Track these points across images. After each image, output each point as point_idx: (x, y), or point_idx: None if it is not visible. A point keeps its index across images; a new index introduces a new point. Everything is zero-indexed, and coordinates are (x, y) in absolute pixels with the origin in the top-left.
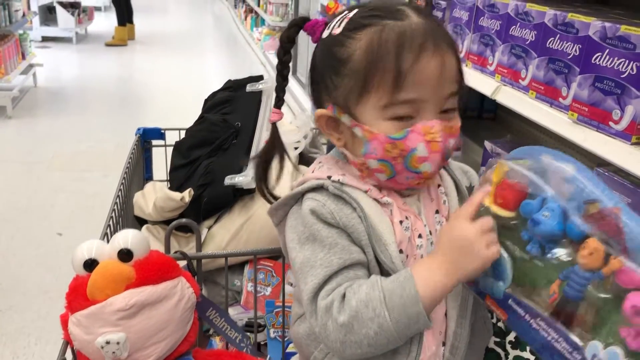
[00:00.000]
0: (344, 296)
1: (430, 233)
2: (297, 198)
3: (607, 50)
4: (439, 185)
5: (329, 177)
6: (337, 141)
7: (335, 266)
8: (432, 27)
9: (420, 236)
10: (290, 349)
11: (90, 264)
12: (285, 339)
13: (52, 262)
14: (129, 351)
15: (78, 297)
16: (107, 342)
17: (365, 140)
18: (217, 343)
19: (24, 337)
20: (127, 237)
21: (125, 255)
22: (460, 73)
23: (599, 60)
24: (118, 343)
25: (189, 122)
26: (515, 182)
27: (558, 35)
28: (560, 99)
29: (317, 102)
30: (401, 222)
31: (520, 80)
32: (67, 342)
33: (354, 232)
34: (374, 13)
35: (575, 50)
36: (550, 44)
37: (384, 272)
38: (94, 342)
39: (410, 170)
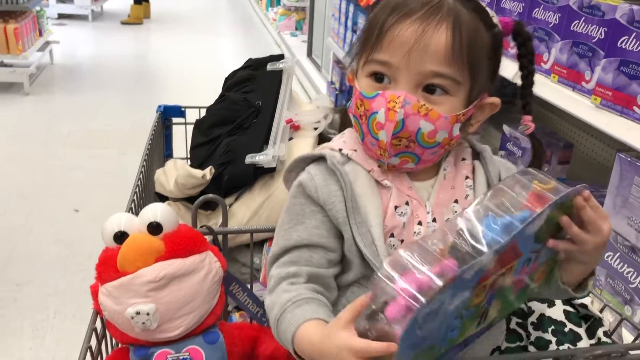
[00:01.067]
0: (279, 280)
1: (434, 221)
2: (302, 166)
3: (634, 34)
4: (467, 177)
5: (340, 150)
6: None
7: (292, 242)
8: (439, 1)
9: (420, 223)
10: None
11: (120, 236)
12: None
13: (68, 238)
14: (158, 322)
15: (108, 268)
16: (137, 313)
17: (353, 94)
18: (237, 319)
19: (43, 310)
20: (156, 211)
21: (154, 228)
22: (462, 59)
23: (625, 44)
24: (148, 314)
25: (205, 100)
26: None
27: (583, 18)
28: (583, 83)
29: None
30: (397, 207)
31: (542, 64)
32: (97, 312)
33: (332, 209)
34: None
35: (601, 34)
36: (575, 27)
37: (361, 252)
38: (124, 312)
39: (372, 134)
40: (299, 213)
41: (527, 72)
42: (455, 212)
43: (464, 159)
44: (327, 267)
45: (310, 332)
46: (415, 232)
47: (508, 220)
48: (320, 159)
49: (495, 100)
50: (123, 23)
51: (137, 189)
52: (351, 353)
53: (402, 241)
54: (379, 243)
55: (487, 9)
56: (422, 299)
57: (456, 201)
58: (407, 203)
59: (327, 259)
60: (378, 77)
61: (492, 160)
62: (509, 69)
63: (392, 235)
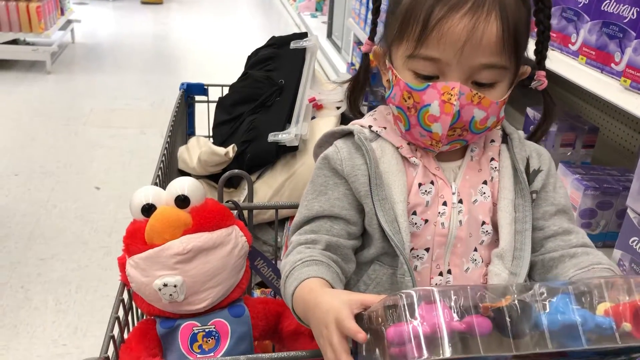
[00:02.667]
0: (296, 245)
1: (461, 202)
2: (331, 141)
3: None
4: (492, 159)
5: (370, 127)
6: (385, 82)
7: (314, 212)
8: None
9: (445, 204)
10: None
11: (148, 209)
12: None
13: (90, 215)
14: (185, 294)
15: (136, 240)
16: (165, 285)
17: (392, 83)
18: (258, 295)
19: (66, 285)
20: (183, 185)
21: (182, 201)
22: (511, 46)
23: None
24: (175, 286)
25: (225, 80)
26: None
27: None
28: (613, 65)
29: (383, 39)
30: (421, 185)
31: (570, 45)
32: (124, 283)
33: (354, 181)
34: None
35: (633, 14)
36: (605, 7)
37: (382, 228)
38: (152, 284)
39: (422, 126)
40: (323, 184)
41: (544, 28)
42: (484, 193)
43: (492, 141)
44: (346, 238)
45: (312, 284)
46: (439, 213)
47: (578, 318)
48: (348, 134)
49: (526, 69)
50: (143, 2)
51: (161, 165)
52: (335, 320)
53: (425, 221)
54: (401, 220)
55: None
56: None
57: (485, 182)
58: (432, 182)
59: (348, 231)
60: (423, 75)
61: (520, 143)
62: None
63: (414, 213)
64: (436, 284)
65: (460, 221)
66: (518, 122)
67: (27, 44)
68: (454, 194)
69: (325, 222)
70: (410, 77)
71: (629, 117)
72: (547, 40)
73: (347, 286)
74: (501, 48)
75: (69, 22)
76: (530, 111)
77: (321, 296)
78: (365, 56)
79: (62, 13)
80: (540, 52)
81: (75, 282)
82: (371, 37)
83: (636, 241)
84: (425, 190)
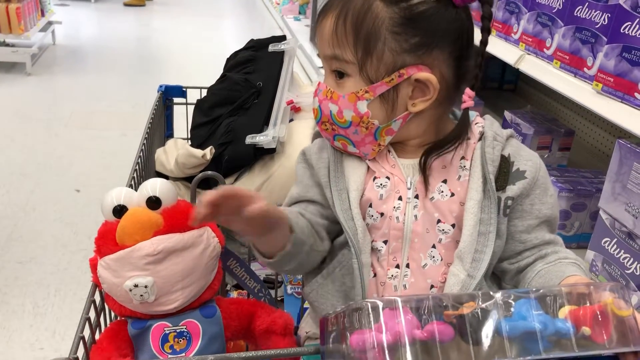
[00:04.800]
0: None
1: (417, 197)
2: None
3: (638, 20)
4: (462, 157)
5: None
6: None
7: (294, 197)
8: None
9: (400, 198)
10: (307, 305)
11: (120, 210)
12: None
13: (70, 217)
14: (156, 295)
15: (107, 241)
16: (135, 285)
17: None
18: (234, 297)
19: (44, 288)
20: (155, 186)
21: (153, 203)
22: (345, 40)
23: (628, 30)
24: (146, 287)
25: (206, 81)
26: None
27: (587, 4)
28: (585, 69)
29: None
30: (375, 178)
31: (544, 50)
32: (96, 285)
33: (318, 172)
34: None
35: (604, 19)
36: (578, 13)
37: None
38: (122, 285)
39: None
40: (301, 175)
41: (482, 40)
42: (442, 192)
43: (468, 139)
44: (319, 217)
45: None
46: (394, 207)
47: (538, 325)
48: None
49: (425, 75)
50: (126, 4)
51: (137, 167)
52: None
53: (381, 214)
54: (354, 207)
55: None
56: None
57: (445, 181)
58: (387, 177)
59: (321, 212)
60: None
61: (494, 142)
62: (512, 54)
63: (370, 206)
64: (392, 276)
65: (416, 216)
66: None
67: (7, 45)
68: (409, 189)
69: (302, 204)
70: None
71: (604, 120)
72: (483, 56)
73: (322, 265)
74: (334, 41)
75: (49, 23)
76: (507, 114)
77: None
78: None
79: (43, 14)
80: (475, 69)
81: (53, 285)
82: None
83: (608, 242)
84: (380, 184)
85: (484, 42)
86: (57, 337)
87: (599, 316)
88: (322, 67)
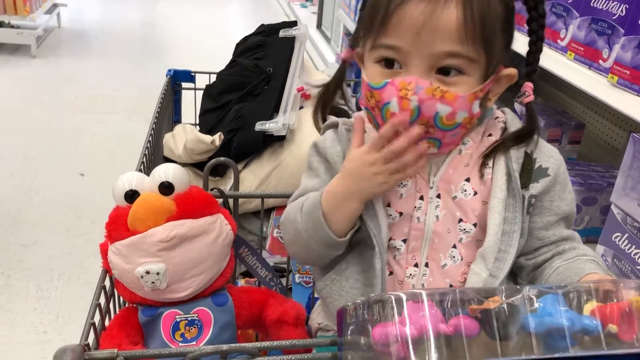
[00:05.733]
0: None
1: (439, 197)
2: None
3: None
4: (486, 155)
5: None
6: None
7: (308, 189)
8: None
9: (422, 198)
10: (316, 294)
11: (131, 196)
12: (311, 285)
13: (74, 201)
14: (168, 282)
15: (118, 227)
16: (147, 272)
17: (362, 84)
18: (242, 284)
19: (48, 271)
20: (168, 171)
21: (166, 188)
22: (475, 36)
23: None
24: (158, 273)
25: (211, 68)
26: None
27: None
28: (601, 61)
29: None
30: None
31: (558, 41)
32: (106, 270)
33: (335, 166)
34: None
35: (622, 11)
36: (595, 4)
37: None
38: (134, 271)
39: None
40: (316, 168)
41: (536, 38)
42: (465, 190)
43: (490, 135)
44: None
45: (332, 185)
46: (415, 207)
47: (565, 321)
48: (336, 125)
49: (512, 71)
50: None
51: (146, 151)
52: (368, 151)
53: (400, 214)
54: (377, 204)
55: None
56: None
57: (468, 179)
58: (410, 176)
59: None
60: (388, 63)
61: (541, 144)
62: (524, 45)
63: (389, 205)
64: (410, 275)
65: (437, 216)
66: None
67: (12, 27)
68: (431, 188)
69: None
70: (374, 72)
71: (615, 113)
72: (539, 52)
73: (333, 261)
74: (462, 36)
75: (55, 5)
76: (517, 106)
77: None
78: (342, 65)
79: None
80: (531, 64)
81: (57, 269)
82: (352, 45)
83: (619, 237)
84: (401, 183)
85: (542, 38)
86: (61, 321)
87: (626, 314)
88: (341, 58)
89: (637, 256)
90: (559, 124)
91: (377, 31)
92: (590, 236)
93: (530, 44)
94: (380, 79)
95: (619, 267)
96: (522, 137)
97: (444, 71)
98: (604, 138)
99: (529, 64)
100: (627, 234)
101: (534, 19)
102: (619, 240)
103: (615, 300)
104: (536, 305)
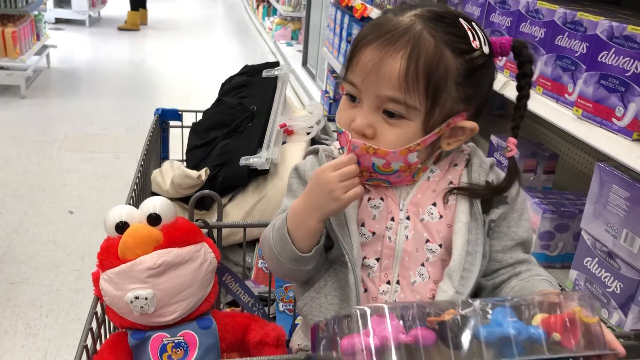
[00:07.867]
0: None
1: (408, 219)
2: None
3: (613, 49)
4: (450, 182)
5: (340, 148)
6: None
7: (287, 209)
8: (405, 28)
9: (392, 219)
10: (298, 321)
11: (122, 227)
12: (294, 312)
13: (63, 239)
14: (155, 307)
15: (109, 256)
16: (136, 297)
17: None
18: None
19: (36, 309)
20: (155, 203)
21: (154, 219)
22: (416, 87)
23: (605, 59)
24: (146, 299)
25: (198, 106)
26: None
27: (567, 33)
28: (566, 95)
29: None
30: (370, 199)
31: None
32: (98, 297)
33: None
34: (392, 8)
35: (583, 48)
36: (559, 42)
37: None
38: (124, 297)
39: None
40: (294, 190)
41: (523, 95)
42: (432, 214)
43: (455, 165)
44: None
45: (297, 202)
46: (387, 227)
47: (512, 330)
48: (316, 151)
49: (470, 124)
50: (120, 29)
51: (135, 187)
52: (324, 170)
53: (373, 233)
54: (351, 224)
55: (475, 31)
56: None
57: (434, 204)
58: (382, 199)
59: None
60: (351, 97)
61: (481, 169)
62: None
63: (363, 225)
64: (383, 291)
65: (407, 236)
66: (483, 148)
67: (2, 68)
68: (401, 210)
69: None
70: (343, 102)
71: (585, 143)
72: (524, 108)
73: (312, 280)
74: (403, 85)
75: (44, 47)
76: (494, 138)
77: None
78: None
79: (38, 38)
80: (516, 119)
81: (46, 306)
82: (343, 78)
83: (590, 261)
84: (374, 205)
85: (527, 96)
86: (49, 358)
87: (568, 323)
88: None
89: (607, 279)
90: (533, 154)
91: (346, 68)
92: (565, 262)
93: (517, 99)
94: (345, 109)
95: (591, 290)
96: (499, 191)
97: (389, 113)
98: (578, 167)
99: (515, 119)
100: (597, 258)
101: (522, 76)
102: (590, 265)
103: (559, 311)
104: (488, 317)
